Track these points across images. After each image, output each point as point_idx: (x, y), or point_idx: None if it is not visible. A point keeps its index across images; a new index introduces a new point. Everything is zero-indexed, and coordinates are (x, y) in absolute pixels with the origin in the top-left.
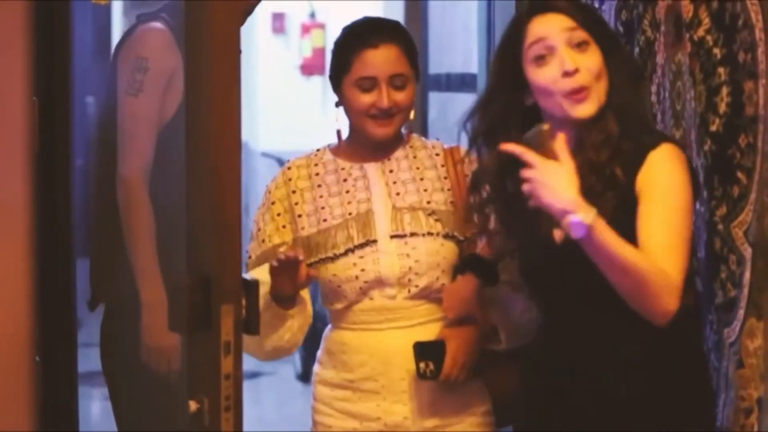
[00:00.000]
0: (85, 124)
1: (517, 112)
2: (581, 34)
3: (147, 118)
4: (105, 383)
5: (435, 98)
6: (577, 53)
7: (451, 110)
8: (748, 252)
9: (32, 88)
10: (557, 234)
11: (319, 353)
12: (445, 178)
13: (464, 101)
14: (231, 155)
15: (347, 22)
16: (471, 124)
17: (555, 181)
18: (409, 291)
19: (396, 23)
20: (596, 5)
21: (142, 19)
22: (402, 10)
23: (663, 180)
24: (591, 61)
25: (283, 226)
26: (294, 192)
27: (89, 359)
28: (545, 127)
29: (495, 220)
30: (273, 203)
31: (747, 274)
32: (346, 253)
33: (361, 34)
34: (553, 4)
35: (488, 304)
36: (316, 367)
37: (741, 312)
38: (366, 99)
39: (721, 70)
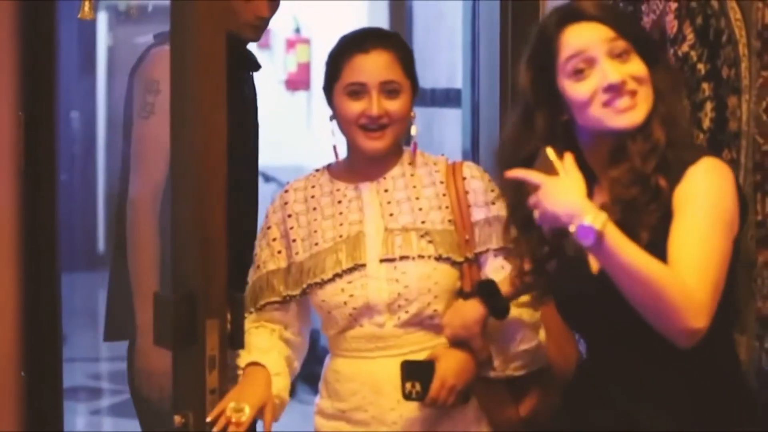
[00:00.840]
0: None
1: (560, 129)
2: (622, 44)
3: (157, 141)
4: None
5: (419, 113)
6: (619, 64)
7: (435, 125)
8: None
9: (18, 103)
10: (592, 262)
11: (319, 382)
12: (444, 195)
13: (449, 116)
14: (216, 173)
15: (332, 37)
16: (507, 152)
17: (559, 190)
18: (399, 318)
19: (391, 31)
20: None
21: (157, 41)
22: (386, 25)
23: (698, 193)
24: (635, 68)
25: (279, 252)
26: (290, 216)
27: (74, 374)
28: (548, 150)
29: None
30: (269, 228)
31: None
32: (333, 279)
33: (354, 40)
34: (589, 11)
35: (489, 332)
36: (316, 398)
37: None
38: (355, 107)
39: (705, 85)
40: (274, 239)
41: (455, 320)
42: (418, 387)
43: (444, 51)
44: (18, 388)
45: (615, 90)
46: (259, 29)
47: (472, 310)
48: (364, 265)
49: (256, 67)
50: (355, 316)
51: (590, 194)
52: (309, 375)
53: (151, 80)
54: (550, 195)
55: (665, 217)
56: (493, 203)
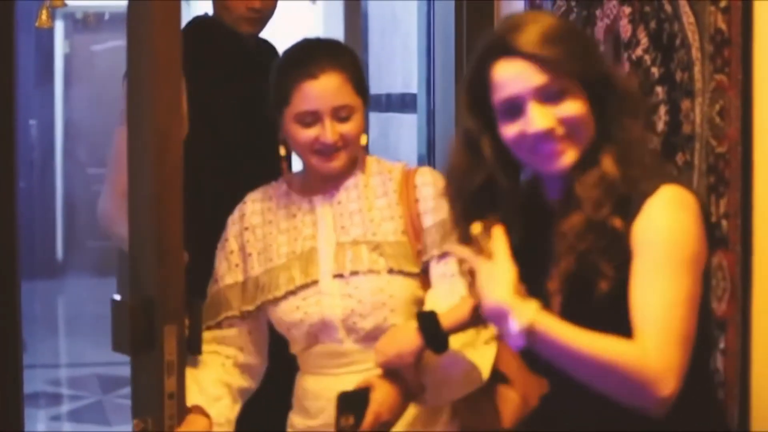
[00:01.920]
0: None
1: (509, 153)
2: (556, 86)
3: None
4: None
5: (375, 119)
6: (551, 107)
7: (391, 130)
8: None
9: None
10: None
11: (292, 397)
12: (398, 204)
13: (404, 121)
14: (173, 178)
15: (287, 40)
16: (456, 183)
17: (488, 281)
18: (357, 334)
19: (338, 45)
20: None
21: None
22: (341, 28)
23: (657, 230)
24: (569, 110)
25: (236, 265)
26: (247, 229)
27: (33, 380)
28: (475, 230)
29: None
30: (227, 240)
31: None
32: (286, 296)
33: (300, 62)
34: (524, 48)
35: (424, 364)
36: (290, 414)
37: None
38: (308, 134)
39: (658, 89)
40: (232, 252)
41: (389, 348)
42: (351, 419)
43: (399, 55)
44: None
45: (540, 138)
46: (254, 21)
47: (408, 339)
48: (317, 282)
49: (267, 56)
50: (313, 333)
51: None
52: None
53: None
54: (482, 287)
55: (625, 261)
56: (442, 208)
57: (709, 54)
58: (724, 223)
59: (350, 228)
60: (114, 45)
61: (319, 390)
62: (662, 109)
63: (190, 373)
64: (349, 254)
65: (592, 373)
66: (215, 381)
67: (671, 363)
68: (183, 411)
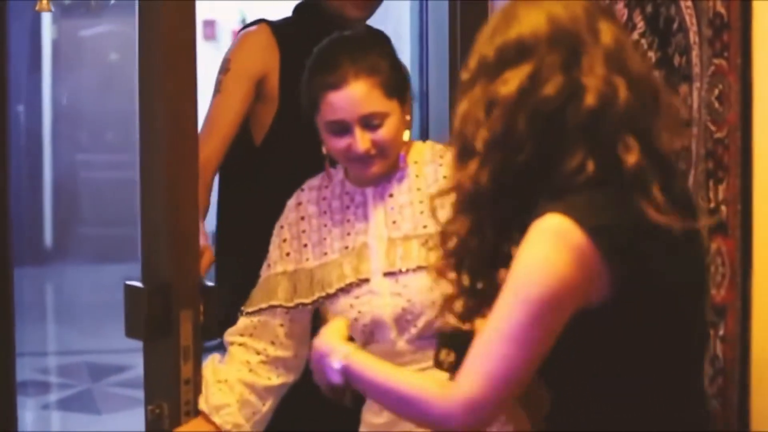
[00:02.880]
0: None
1: None
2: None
3: (217, 118)
4: None
5: None
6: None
7: None
8: None
9: None
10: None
11: None
12: None
13: None
14: (189, 164)
15: None
16: None
17: (318, 339)
18: (409, 333)
19: (369, 44)
20: None
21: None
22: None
23: (516, 261)
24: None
25: (288, 254)
26: (303, 218)
27: (22, 369)
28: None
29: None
30: (282, 227)
31: None
32: (338, 294)
33: (325, 69)
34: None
35: None
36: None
37: None
38: (340, 143)
39: (656, 73)
40: (285, 240)
41: None
42: (452, 356)
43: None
44: None
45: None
46: (362, 6)
47: None
48: (368, 280)
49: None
50: (368, 332)
51: None
52: None
53: (225, 59)
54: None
55: None
56: None
57: (707, 38)
58: (723, 208)
59: (401, 223)
60: (102, 30)
61: None
62: None
63: (206, 371)
64: (400, 251)
65: (393, 404)
66: (232, 384)
67: (469, 399)
68: (198, 397)
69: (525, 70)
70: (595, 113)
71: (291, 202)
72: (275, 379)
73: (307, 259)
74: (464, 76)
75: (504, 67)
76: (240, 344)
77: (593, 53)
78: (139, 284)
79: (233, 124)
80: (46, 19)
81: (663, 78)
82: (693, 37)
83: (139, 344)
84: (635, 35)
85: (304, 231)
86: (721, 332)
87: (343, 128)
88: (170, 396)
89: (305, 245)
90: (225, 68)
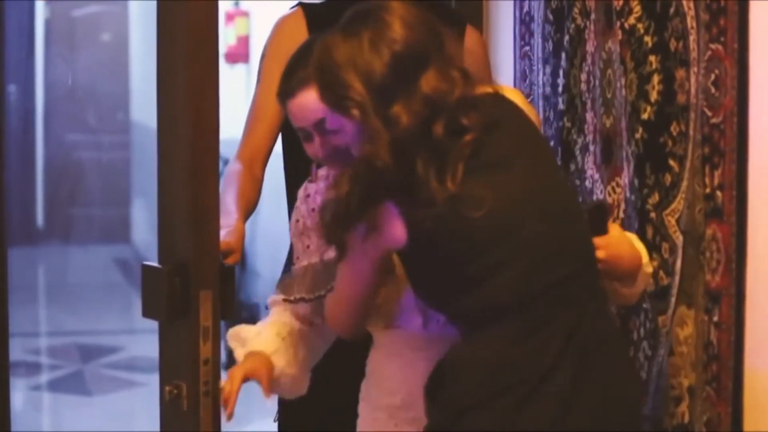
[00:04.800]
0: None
1: None
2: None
3: (260, 108)
4: None
5: None
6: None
7: None
8: (680, 240)
9: None
10: None
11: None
12: None
13: None
14: (210, 143)
15: (271, 10)
16: None
17: None
18: (436, 321)
19: (328, 48)
20: None
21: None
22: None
23: None
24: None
25: (308, 246)
26: (313, 210)
27: (13, 349)
28: None
29: None
30: (297, 221)
31: (679, 262)
32: None
33: (284, 76)
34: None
35: None
36: (363, 384)
37: (672, 300)
38: (308, 149)
39: (652, 58)
40: (302, 233)
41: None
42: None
43: None
44: None
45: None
46: None
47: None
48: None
49: None
50: (391, 317)
51: None
52: None
53: (263, 48)
54: None
55: None
56: None
57: (704, 23)
58: (718, 194)
59: None
60: (94, 10)
61: (392, 371)
62: (656, 79)
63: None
64: None
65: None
66: (275, 333)
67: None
68: (217, 377)
69: None
70: None
71: (300, 193)
72: (316, 341)
73: (327, 252)
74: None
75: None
76: (282, 311)
77: None
78: (156, 264)
79: (277, 111)
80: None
81: (659, 63)
82: (690, 22)
83: (130, 325)
84: (631, 20)
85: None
86: (715, 318)
87: (306, 135)
88: (189, 376)
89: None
90: (262, 56)
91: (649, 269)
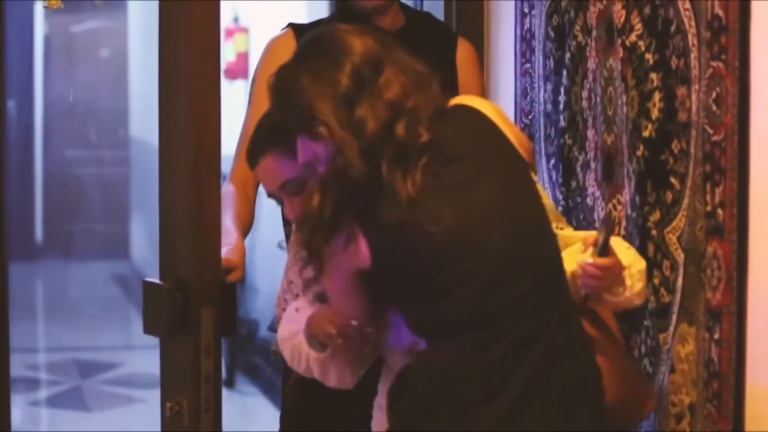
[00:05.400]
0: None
1: None
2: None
3: (246, 129)
4: None
5: None
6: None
7: None
8: (681, 257)
9: None
10: None
11: None
12: None
13: None
14: (212, 159)
15: (271, 26)
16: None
17: None
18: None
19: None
20: (525, 11)
21: None
22: (326, 9)
23: None
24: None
25: (290, 282)
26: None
27: (12, 365)
28: None
29: None
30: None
31: (680, 280)
32: None
33: (247, 150)
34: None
35: None
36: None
37: (674, 318)
38: (286, 212)
39: (653, 75)
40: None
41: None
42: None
43: None
44: None
45: None
46: None
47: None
48: None
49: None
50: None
51: None
52: (248, 365)
53: (255, 69)
54: None
55: None
56: None
57: (705, 40)
58: (719, 212)
59: None
60: (93, 26)
61: None
62: (657, 96)
63: None
64: None
65: None
66: None
67: None
68: (218, 394)
69: None
70: None
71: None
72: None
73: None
74: None
75: None
76: None
77: None
78: (157, 281)
79: None
80: (38, 14)
81: (660, 80)
82: (691, 40)
83: (128, 341)
84: (633, 37)
85: None
86: (716, 336)
87: (278, 199)
88: (190, 393)
89: None
90: (253, 79)
91: (638, 267)
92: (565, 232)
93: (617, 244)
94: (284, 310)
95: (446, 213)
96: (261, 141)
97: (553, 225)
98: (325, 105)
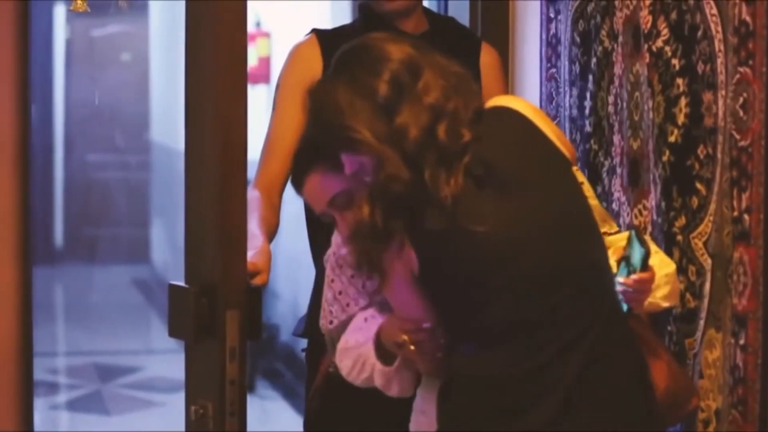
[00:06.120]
0: None
1: None
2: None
3: (275, 137)
4: None
5: None
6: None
7: None
8: (708, 263)
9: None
10: None
11: None
12: None
13: None
14: (237, 162)
15: (293, 31)
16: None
17: None
18: None
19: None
20: (551, 15)
21: None
22: (349, 14)
23: None
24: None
25: (363, 286)
26: None
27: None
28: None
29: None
30: (341, 266)
31: (707, 285)
32: None
33: (291, 173)
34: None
35: None
36: None
37: (701, 323)
38: (339, 233)
39: (679, 80)
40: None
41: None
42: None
43: None
44: (22, 379)
45: None
46: None
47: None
48: None
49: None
50: None
51: None
52: (269, 370)
53: (279, 76)
54: None
55: None
56: None
57: (733, 46)
58: (746, 217)
59: None
60: (114, 30)
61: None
62: (683, 101)
63: None
64: None
65: None
66: None
67: None
68: (243, 397)
69: None
70: None
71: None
72: None
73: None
74: None
75: None
76: None
77: None
78: (183, 284)
79: (292, 139)
80: (60, 19)
81: (686, 86)
82: (718, 45)
83: (148, 345)
84: (659, 42)
85: None
86: (741, 341)
87: (331, 219)
88: (215, 396)
89: None
90: (277, 85)
91: (665, 271)
92: (610, 238)
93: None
94: (331, 322)
95: (489, 213)
96: (303, 161)
97: (601, 228)
98: (362, 120)
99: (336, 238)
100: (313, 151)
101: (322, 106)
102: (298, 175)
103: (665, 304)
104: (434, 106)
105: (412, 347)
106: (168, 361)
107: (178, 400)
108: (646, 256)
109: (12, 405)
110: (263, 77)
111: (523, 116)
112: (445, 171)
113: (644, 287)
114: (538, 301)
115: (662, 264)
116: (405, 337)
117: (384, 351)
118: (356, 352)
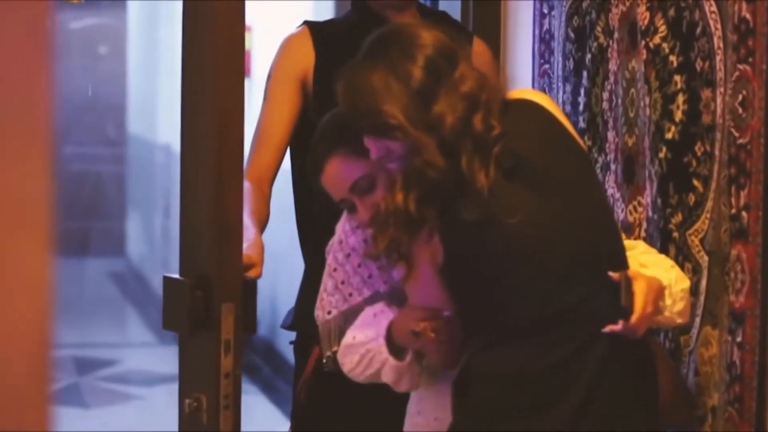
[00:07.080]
0: None
1: None
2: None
3: (265, 127)
4: None
5: None
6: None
7: None
8: (704, 260)
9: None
10: None
11: None
12: None
13: None
14: (235, 154)
15: (274, 25)
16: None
17: None
18: None
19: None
20: (544, 11)
21: None
22: (332, 9)
23: None
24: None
25: (369, 276)
26: (365, 241)
27: None
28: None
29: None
30: (348, 255)
31: (703, 282)
32: None
33: (308, 161)
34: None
35: None
36: None
37: (697, 320)
38: (357, 221)
39: (677, 77)
40: (360, 264)
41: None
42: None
43: None
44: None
45: None
46: None
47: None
48: None
49: None
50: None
51: None
52: (247, 364)
53: (270, 67)
54: None
55: None
56: None
57: (732, 43)
58: (744, 215)
59: None
60: (92, 23)
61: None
62: (680, 98)
63: None
64: None
65: None
66: None
67: None
68: (238, 391)
69: None
70: None
71: (342, 227)
72: None
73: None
74: None
75: None
76: None
77: None
78: (178, 276)
79: (283, 130)
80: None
81: (684, 83)
82: (717, 42)
83: (125, 338)
84: (657, 39)
85: None
86: (739, 339)
87: (350, 206)
88: (209, 389)
89: None
90: (268, 76)
91: (681, 286)
92: None
93: (661, 262)
94: (329, 312)
95: (518, 206)
96: (324, 146)
97: None
98: (397, 105)
99: (344, 226)
100: (336, 136)
101: (356, 90)
102: (317, 160)
103: (680, 320)
104: (470, 95)
105: (432, 334)
106: (145, 354)
107: (157, 393)
108: (628, 302)
109: (45, 405)
110: (245, 71)
111: (546, 110)
112: (480, 161)
113: (638, 326)
114: (559, 297)
115: (678, 279)
116: (424, 324)
117: (395, 346)
118: (364, 348)
